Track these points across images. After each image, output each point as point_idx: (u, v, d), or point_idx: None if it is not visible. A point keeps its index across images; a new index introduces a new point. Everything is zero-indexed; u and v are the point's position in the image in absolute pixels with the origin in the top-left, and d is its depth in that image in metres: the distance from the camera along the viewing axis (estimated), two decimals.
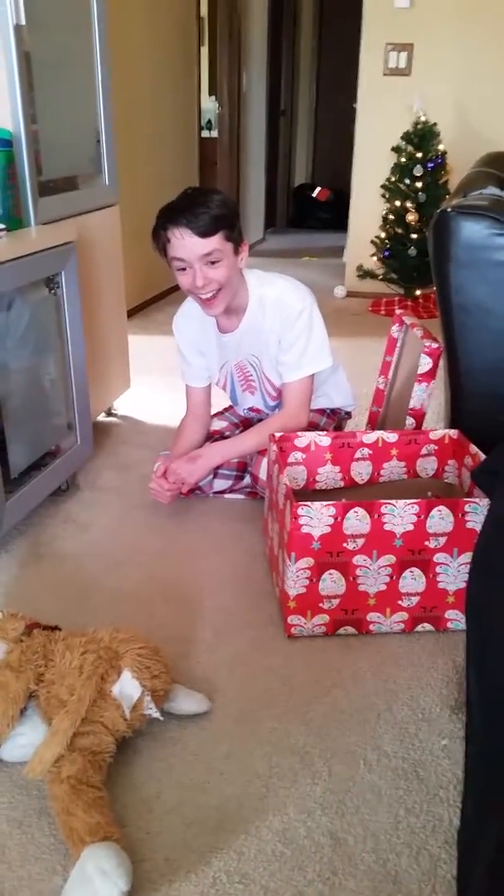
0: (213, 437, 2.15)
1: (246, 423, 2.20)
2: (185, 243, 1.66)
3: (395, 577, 1.52)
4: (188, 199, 1.69)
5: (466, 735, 0.99)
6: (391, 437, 1.85)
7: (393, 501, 1.46)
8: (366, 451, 1.86)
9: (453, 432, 1.83)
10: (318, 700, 1.40)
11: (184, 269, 1.72)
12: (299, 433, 1.84)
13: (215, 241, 1.67)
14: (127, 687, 1.18)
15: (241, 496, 2.15)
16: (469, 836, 0.99)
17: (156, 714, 1.21)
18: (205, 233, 1.64)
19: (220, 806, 1.18)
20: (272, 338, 1.88)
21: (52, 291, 1.94)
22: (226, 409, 2.27)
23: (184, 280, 1.74)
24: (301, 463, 1.85)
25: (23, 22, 1.85)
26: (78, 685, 1.16)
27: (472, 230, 1.62)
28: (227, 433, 2.18)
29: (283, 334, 1.87)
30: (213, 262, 1.69)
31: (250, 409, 2.13)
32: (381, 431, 1.86)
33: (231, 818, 1.16)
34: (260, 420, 2.09)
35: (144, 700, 1.20)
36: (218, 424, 2.20)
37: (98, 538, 1.95)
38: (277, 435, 1.82)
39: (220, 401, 2.23)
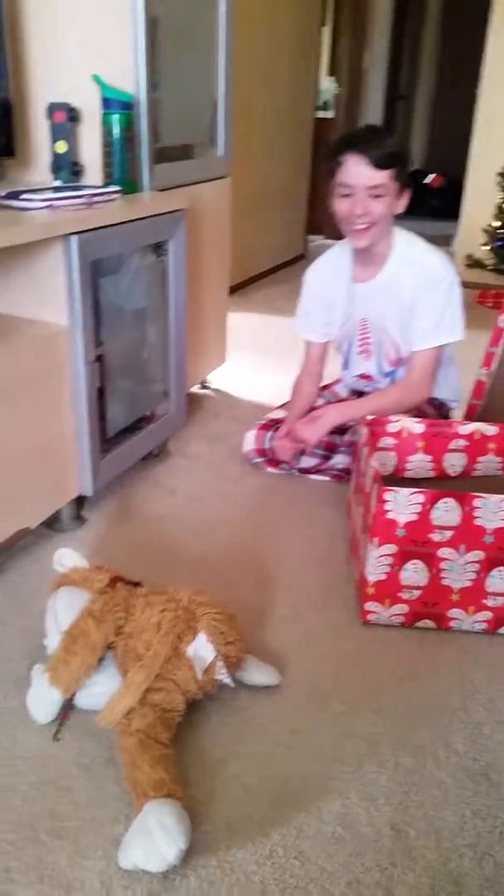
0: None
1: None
2: (358, 171, 1.70)
3: (481, 575, 1.46)
4: (370, 132, 1.78)
5: None
6: (490, 429, 1.78)
7: (486, 495, 1.40)
8: (461, 442, 1.79)
9: None
10: (390, 690, 1.37)
11: (347, 196, 1.75)
12: (391, 418, 1.80)
13: (385, 176, 1.71)
14: (201, 649, 1.19)
15: (327, 478, 2.13)
16: None
17: (227, 680, 1.21)
18: (378, 165, 1.69)
19: (284, 780, 1.17)
20: (406, 297, 1.87)
21: (160, 258, 1.96)
22: (325, 387, 2.24)
23: (343, 206, 1.77)
24: (392, 448, 1.81)
25: None
26: (155, 641, 1.17)
27: None
28: None
29: (419, 298, 1.85)
30: (376, 196, 1.73)
31: (361, 375, 2.11)
32: (480, 423, 1.79)
33: (293, 794, 1.15)
34: (365, 393, 2.07)
35: (217, 664, 1.20)
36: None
37: (184, 504, 1.97)
38: (369, 417, 1.78)
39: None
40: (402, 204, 1.80)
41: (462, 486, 1.76)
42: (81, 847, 1.05)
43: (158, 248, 1.94)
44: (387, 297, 1.90)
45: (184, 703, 1.19)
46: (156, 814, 1.00)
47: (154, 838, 0.98)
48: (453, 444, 1.80)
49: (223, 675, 1.21)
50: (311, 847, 1.07)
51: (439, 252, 1.89)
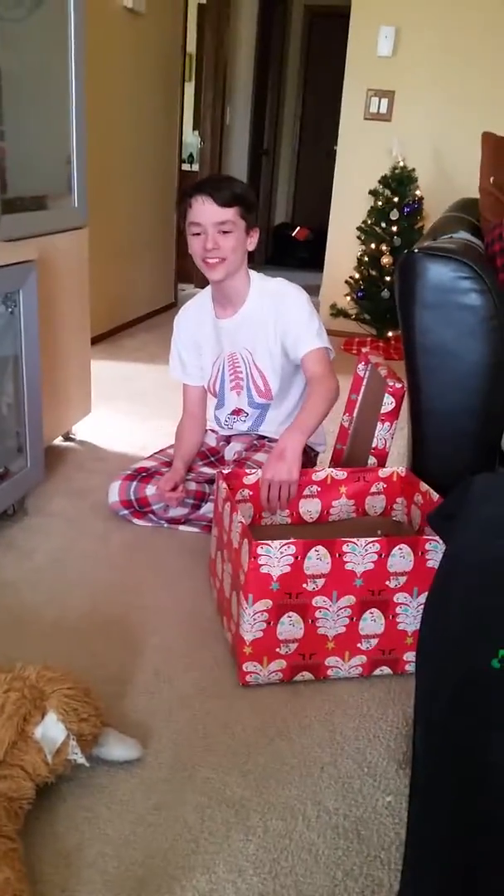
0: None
1: (214, 451, 2.19)
2: (205, 209, 1.81)
3: (354, 619, 1.46)
4: (216, 177, 1.94)
5: (410, 793, 0.93)
6: (340, 474, 1.82)
7: (354, 540, 1.41)
8: (314, 488, 1.82)
9: (402, 469, 1.80)
10: (259, 750, 1.33)
11: (198, 234, 1.85)
12: (248, 470, 1.79)
13: (231, 213, 1.82)
14: (51, 730, 1.10)
15: (197, 529, 2.09)
16: None
17: (81, 760, 1.13)
18: (224, 203, 1.81)
19: (145, 861, 1.10)
20: (269, 326, 1.96)
21: (10, 310, 1.88)
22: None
23: (196, 244, 1.87)
24: (248, 500, 1.80)
25: None
26: None
27: (439, 272, 1.60)
28: (201, 461, 2.16)
29: (281, 319, 1.94)
30: (225, 232, 1.83)
31: (233, 412, 2.12)
32: (331, 468, 1.82)
33: (155, 875, 1.08)
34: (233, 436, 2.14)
35: (69, 744, 1.12)
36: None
37: (40, 567, 1.87)
38: (226, 471, 1.76)
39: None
40: (251, 242, 1.92)
41: (320, 531, 1.77)
42: None
43: (7, 300, 1.87)
44: (252, 329, 1.98)
45: (33, 789, 1.10)
46: None
47: None
48: (307, 491, 1.81)
49: (77, 755, 1.12)
50: None
51: (291, 283, 2.01)
